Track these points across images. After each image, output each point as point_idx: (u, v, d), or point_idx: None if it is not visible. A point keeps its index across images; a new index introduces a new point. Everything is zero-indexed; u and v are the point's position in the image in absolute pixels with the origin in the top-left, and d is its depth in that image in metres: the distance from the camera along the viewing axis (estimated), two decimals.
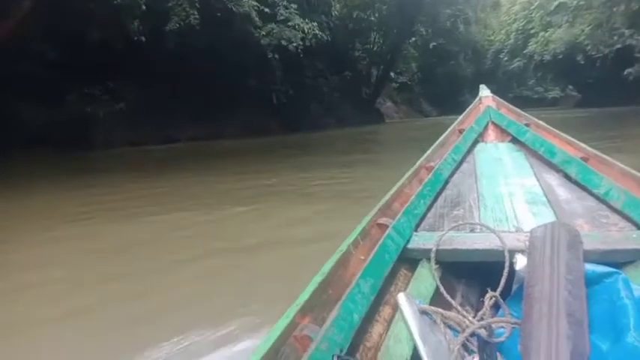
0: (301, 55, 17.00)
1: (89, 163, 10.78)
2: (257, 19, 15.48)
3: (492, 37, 45.22)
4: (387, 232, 1.32)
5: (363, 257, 1.21)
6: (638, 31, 25.08)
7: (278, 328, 0.87)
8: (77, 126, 12.28)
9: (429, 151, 2.29)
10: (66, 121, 12.04)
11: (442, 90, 42.92)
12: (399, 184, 1.78)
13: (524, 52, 35.19)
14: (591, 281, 0.89)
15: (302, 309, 0.94)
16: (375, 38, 29.43)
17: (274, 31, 16.49)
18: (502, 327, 0.89)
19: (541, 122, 2.70)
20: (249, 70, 17.52)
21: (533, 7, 34.91)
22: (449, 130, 2.71)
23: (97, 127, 12.88)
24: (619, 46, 26.79)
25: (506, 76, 47.33)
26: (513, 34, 37.65)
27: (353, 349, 0.95)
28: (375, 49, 29.39)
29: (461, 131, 2.68)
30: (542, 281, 0.85)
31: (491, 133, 2.78)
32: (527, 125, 2.65)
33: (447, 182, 2.03)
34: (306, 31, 17.04)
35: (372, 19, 28.22)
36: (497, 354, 0.83)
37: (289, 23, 16.83)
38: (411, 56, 36.26)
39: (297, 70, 20.90)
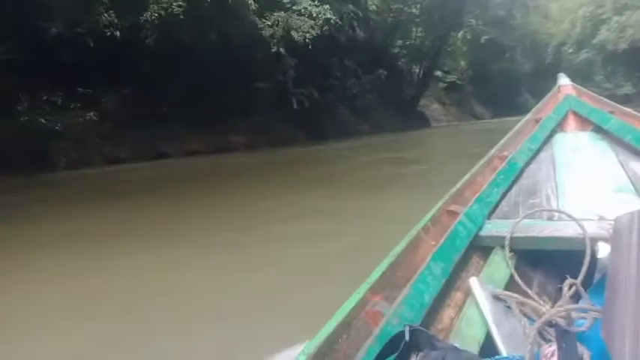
0: (310, 47, 13.91)
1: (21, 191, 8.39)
2: (256, 5, 12.64)
3: (553, 29, 40.24)
4: (458, 218, 1.31)
5: (433, 242, 1.20)
6: None
7: (350, 303, 0.87)
8: (34, 141, 9.98)
9: (503, 140, 2.22)
10: (18, 135, 9.76)
11: (496, 90, 38.59)
12: (471, 172, 1.76)
13: (594, 41, 30.23)
14: None
15: (372, 287, 0.94)
16: (416, 32, 26.05)
17: (280, 20, 13.62)
18: (583, 317, 0.84)
19: (627, 109, 2.50)
20: (257, 69, 14.81)
21: None
22: (524, 119, 2.61)
23: (59, 141, 10.53)
24: None
25: (569, 72, 41.22)
26: (580, 21, 32.56)
27: (424, 327, 0.89)
28: (416, 44, 25.97)
29: (537, 120, 2.54)
30: (627, 269, 0.77)
31: (571, 122, 2.62)
32: (611, 112, 2.46)
33: (522, 171, 1.95)
34: (315, 15, 13.93)
35: (413, 10, 24.97)
36: (578, 343, 0.75)
37: (294, 7, 13.89)
38: (459, 52, 32.49)
39: (319, 68, 18.09)
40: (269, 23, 13.52)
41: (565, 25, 35.76)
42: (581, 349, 0.76)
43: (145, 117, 12.45)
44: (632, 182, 1.70)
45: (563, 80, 3.13)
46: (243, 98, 15.38)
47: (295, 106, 17.18)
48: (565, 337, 0.77)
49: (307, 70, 17.14)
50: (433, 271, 1.06)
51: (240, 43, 13.44)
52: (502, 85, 38.78)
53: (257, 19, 13.22)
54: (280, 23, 13.48)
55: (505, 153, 2.05)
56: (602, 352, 0.70)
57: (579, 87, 3.00)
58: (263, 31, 13.27)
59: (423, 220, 1.30)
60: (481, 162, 1.92)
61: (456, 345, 0.82)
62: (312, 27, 13.75)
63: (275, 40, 13.56)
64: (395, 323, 0.85)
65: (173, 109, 13.30)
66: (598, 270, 1.06)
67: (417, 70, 26.43)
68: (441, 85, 35.40)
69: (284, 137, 16.81)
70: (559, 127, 2.58)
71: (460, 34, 32.84)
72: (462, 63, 34.84)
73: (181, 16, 11.09)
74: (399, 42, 26.13)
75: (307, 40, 13.69)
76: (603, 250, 1.05)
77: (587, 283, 1.02)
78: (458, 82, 36.30)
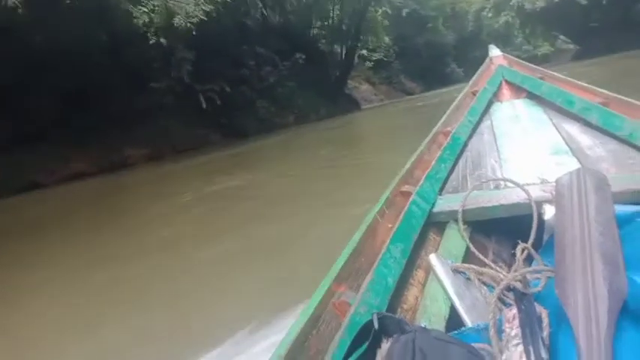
0: (194, 33, 11.67)
1: None
2: None
3: None
4: (411, 198, 1.34)
5: (390, 225, 1.22)
6: None
7: (316, 297, 0.88)
8: None
9: (444, 117, 2.25)
10: None
11: (423, 63, 38.02)
12: (418, 151, 1.79)
13: (511, 2, 29.93)
14: (623, 222, 0.86)
15: (337, 277, 0.96)
16: (334, 11, 24.36)
17: (158, 5, 11.26)
18: (537, 277, 0.87)
19: (556, 74, 2.60)
20: (148, 68, 12.50)
21: None
22: (462, 93, 2.65)
23: None
24: None
25: (490, 38, 42.08)
26: None
27: (391, 310, 0.95)
28: (335, 23, 24.29)
29: (474, 93, 2.60)
30: (572, 227, 0.84)
31: (505, 92, 2.72)
32: (541, 79, 2.57)
33: (465, 145, 2.02)
34: None
35: None
36: (535, 304, 0.79)
37: None
38: (382, 28, 31.17)
39: (227, 60, 15.97)
40: (145, 10, 11.17)
41: None
42: (539, 308, 0.78)
43: (3, 141, 9.92)
44: (567, 143, 1.79)
45: (494, 51, 3.21)
46: (138, 103, 13.05)
47: (204, 105, 15.02)
48: (523, 299, 0.79)
49: (212, 63, 14.98)
50: (393, 254, 1.09)
51: (120, 38, 11.09)
52: (428, 58, 38.23)
53: (132, 7, 10.87)
54: (158, 9, 11.13)
55: (448, 128, 2.09)
56: (559, 308, 0.73)
57: (510, 56, 3.10)
58: (136, 20, 10.89)
59: (377, 204, 1.30)
60: (426, 140, 1.95)
61: (424, 324, 0.87)
62: (194, 10, 11.44)
63: (153, 30, 11.22)
64: (362, 312, 0.87)
65: (43, 125, 10.80)
66: (546, 231, 1.08)
67: (340, 51, 24.76)
68: (368, 64, 34.15)
69: (194, 141, 14.66)
70: (495, 97, 2.67)
71: (380, 10, 31.59)
72: (387, 39, 33.59)
73: (20, 10, 8.50)
74: (318, 23, 24.30)
75: (190, 25, 11.37)
76: (549, 212, 1.09)
77: (537, 245, 1.04)
78: (385, 59, 35.19)
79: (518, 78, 2.72)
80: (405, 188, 1.44)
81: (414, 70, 38.08)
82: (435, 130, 2.08)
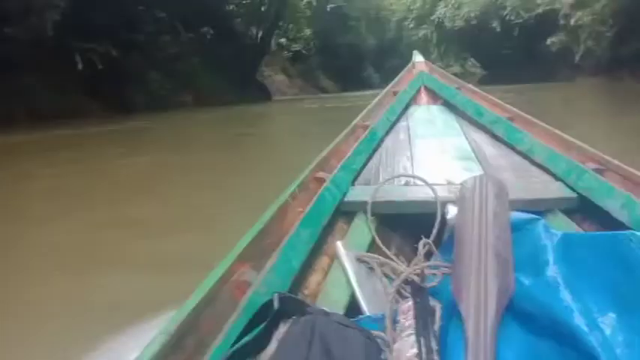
0: None
1: None
2: None
3: (394, 5, 40.23)
4: (324, 185, 1.37)
5: (301, 209, 1.23)
6: None
7: (214, 275, 0.85)
8: None
9: (364, 112, 2.33)
10: None
11: (342, 63, 37.32)
12: (335, 141, 1.83)
13: (432, 17, 30.28)
14: (516, 227, 0.93)
15: (240, 256, 0.94)
16: None
17: None
18: (434, 273, 0.91)
19: (471, 86, 2.80)
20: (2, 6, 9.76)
21: None
22: (383, 92, 2.76)
23: None
24: (540, 10, 22.75)
25: (409, 49, 42.80)
26: None
27: (292, 293, 0.92)
28: (255, 2, 22.36)
29: (395, 93, 2.72)
30: (471, 228, 0.88)
31: (423, 97, 2.83)
32: (458, 89, 2.71)
33: (382, 140, 2.09)
34: None
35: None
36: (430, 297, 0.83)
37: None
38: (304, 18, 29.85)
39: (118, 18, 13.46)
40: None
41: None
42: (433, 302, 0.81)
43: None
44: (473, 151, 1.92)
45: (418, 57, 3.33)
46: None
47: (80, 67, 12.43)
48: (419, 292, 0.83)
49: (97, 19, 12.43)
50: (301, 237, 1.10)
51: None
52: (348, 59, 37.63)
53: None
54: None
55: (367, 123, 2.17)
56: (452, 304, 0.76)
57: (431, 64, 3.25)
58: None
59: (290, 187, 1.31)
60: (345, 131, 1.99)
61: (324, 308, 0.84)
62: None
63: None
64: (262, 292, 0.85)
65: None
66: (448, 230, 1.10)
67: (257, 34, 22.91)
68: (287, 54, 32.62)
69: (63, 109, 11.99)
70: (413, 100, 2.77)
71: (305, 0, 30.25)
72: (308, 31, 32.40)
73: None
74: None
75: None
76: (452, 212, 1.11)
77: (438, 242, 1.09)
78: (304, 51, 33.86)
79: (437, 85, 2.82)
80: (320, 175, 1.47)
81: (332, 68, 37.30)
82: (354, 123, 2.15)
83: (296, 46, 33.07)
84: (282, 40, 31.28)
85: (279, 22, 24.46)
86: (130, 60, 14.11)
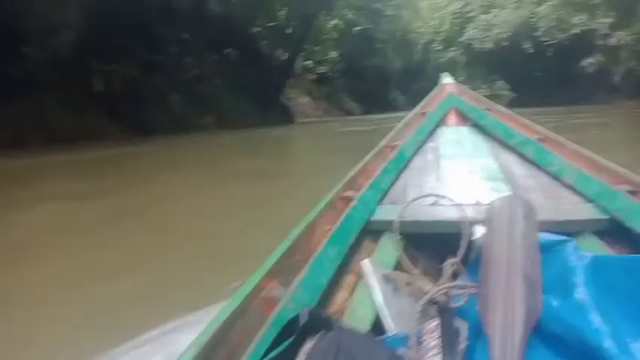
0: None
1: None
2: None
3: (423, 28, 39.75)
4: (351, 203, 1.38)
5: (328, 227, 1.24)
6: (605, 10, 20.04)
7: (245, 290, 0.87)
8: None
9: (392, 132, 2.35)
10: None
11: (368, 85, 36.91)
12: (364, 160, 1.84)
13: (461, 39, 29.58)
14: (545, 248, 0.92)
15: (269, 272, 0.95)
16: (281, 12, 22.30)
17: None
18: (460, 293, 0.89)
19: (500, 107, 2.77)
20: (23, 25, 9.60)
21: None
22: (412, 113, 2.79)
23: None
24: (576, 31, 21.80)
25: (436, 71, 41.97)
26: (449, 18, 31.91)
27: (319, 309, 0.94)
28: (281, 25, 22.20)
29: (424, 114, 2.74)
30: (499, 248, 0.88)
31: (452, 118, 2.82)
32: (487, 110, 2.70)
33: (410, 160, 2.10)
34: None
35: None
36: (456, 317, 0.82)
37: None
38: (331, 41, 29.64)
39: (140, 38, 13.31)
40: None
41: (435, 21, 35.15)
42: (460, 322, 0.81)
43: None
44: (502, 172, 1.92)
45: (447, 79, 3.28)
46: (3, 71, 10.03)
47: (99, 88, 12.22)
48: (445, 312, 0.82)
49: (118, 39, 12.27)
50: (328, 255, 1.11)
51: None
52: (373, 81, 37.22)
53: None
54: None
55: (395, 143, 2.17)
56: (478, 325, 0.75)
57: (460, 86, 3.18)
58: None
59: (318, 206, 1.32)
60: (373, 151, 2.00)
61: (349, 326, 0.86)
62: None
63: None
64: (291, 307, 0.86)
65: None
66: (475, 250, 1.09)
67: (282, 56, 22.69)
68: (312, 76, 32.44)
69: (80, 130, 11.75)
70: (442, 121, 2.76)
71: (333, 23, 30.14)
72: (334, 54, 32.20)
73: None
74: (262, 21, 22.03)
75: None
76: (479, 232, 1.11)
77: (465, 262, 1.08)
78: (329, 74, 33.68)
79: (466, 107, 2.81)
80: (348, 193, 1.48)
81: (357, 90, 36.91)
82: (382, 143, 2.15)
83: (321, 69, 32.87)
84: (308, 62, 31.14)
85: (304, 45, 24.14)
86: (151, 81, 13.88)
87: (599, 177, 1.60)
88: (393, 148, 2.11)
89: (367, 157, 1.90)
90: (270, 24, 22.01)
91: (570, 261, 0.84)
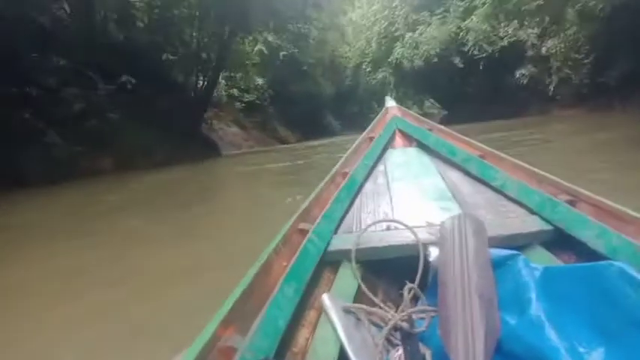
0: None
1: None
2: None
3: (349, 51, 38.94)
4: (307, 236, 1.37)
5: (285, 263, 1.22)
6: (532, 18, 19.50)
7: (198, 343, 0.82)
8: None
9: (342, 159, 2.35)
10: None
11: (301, 112, 35.28)
12: (316, 190, 1.82)
13: (390, 59, 28.61)
14: (497, 264, 0.94)
15: (224, 320, 0.91)
16: (193, 35, 19.96)
17: None
18: (422, 317, 0.90)
19: (442, 127, 2.80)
20: None
21: (395, 4, 28.40)
22: (360, 138, 2.79)
23: None
24: (504, 43, 21.22)
25: (367, 94, 41.33)
26: (375, 38, 30.97)
27: (279, 355, 0.94)
28: (193, 49, 19.79)
29: (371, 139, 2.78)
30: (453, 268, 0.88)
31: (398, 140, 2.89)
32: (430, 130, 2.76)
33: (361, 186, 2.13)
34: None
35: (183, 9, 18.90)
36: (420, 344, 0.81)
37: None
38: (253, 66, 27.67)
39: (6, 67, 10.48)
40: None
41: (362, 42, 34.20)
42: (423, 348, 0.79)
43: None
44: (450, 190, 1.93)
45: (390, 102, 3.31)
46: None
47: None
48: (408, 339, 0.80)
49: None
50: (286, 294, 1.07)
51: None
52: (306, 108, 35.68)
53: None
54: None
55: (346, 170, 2.19)
56: (441, 348, 0.73)
57: (403, 108, 3.22)
58: None
59: (273, 241, 1.29)
60: (325, 180, 1.99)
61: None
62: None
63: None
64: (249, 358, 0.83)
65: None
66: (432, 271, 1.10)
67: (197, 84, 20.21)
68: (239, 105, 30.18)
69: None
70: (389, 144, 2.84)
71: (256, 48, 28.26)
72: (259, 80, 30.26)
73: None
74: (172, 47, 19.50)
75: None
76: (434, 253, 1.13)
77: (424, 285, 1.08)
78: (257, 101, 31.60)
79: (410, 128, 2.87)
80: (302, 226, 1.45)
81: (290, 117, 35.15)
82: (333, 170, 2.14)
83: (249, 97, 30.76)
84: (233, 90, 28.94)
85: (222, 71, 21.85)
86: (19, 118, 10.97)
87: (540, 189, 1.64)
88: (344, 175, 2.10)
89: (319, 187, 1.86)
90: (181, 50, 19.56)
91: (522, 275, 0.86)
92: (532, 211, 1.55)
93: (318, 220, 1.48)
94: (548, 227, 1.39)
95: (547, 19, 18.03)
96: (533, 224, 1.43)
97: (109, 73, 14.21)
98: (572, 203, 1.45)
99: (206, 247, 3.89)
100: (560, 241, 1.35)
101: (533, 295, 0.79)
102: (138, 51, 17.51)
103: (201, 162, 16.34)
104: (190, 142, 18.02)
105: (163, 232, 4.73)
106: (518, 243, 1.31)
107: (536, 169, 1.80)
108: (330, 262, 1.36)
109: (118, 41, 17.44)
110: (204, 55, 19.98)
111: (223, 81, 25.64)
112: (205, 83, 20.28)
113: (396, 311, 0.96)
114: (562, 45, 17.53)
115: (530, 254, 1.23)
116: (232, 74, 25.84)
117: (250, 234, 3.95)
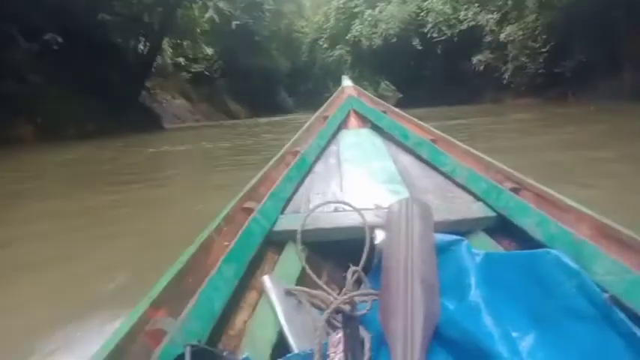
0: None
1: None
2: None
3: (306, 26, 37.64)
4: (252, 215, 1.31)
5: (226, 243, 1.16)
6: (493, 3, 19.17)
7: (125, 325, 0.77)
8: None
9: (294, 137, 2.30)
10: None
11: (253, 86, 33.77)
12: (265, 168, 1.76)
13: (347, 36, 27.71)
14: (440, 249, 0.92)
15: (155, 302, 0.85)
16: None
17: None
18: (365, 300, 0.88)
19: (396, 109, 2.80)
20: None
21: None
22: (313, 117, 2.74)
23: None
24: (463, 27, 20.86)
25: (322, 72, 40.29)
26: (333, 13, 29.87)
27: (214, 339, 0.89)
28: (134, 12, 17.94)
29: (325, 118, 2.72)
30: (398, 253, 0.86)
31: (353, 121, 2.83)
32: (384, 112, 2.73)
33: (312, 166, 2.08)
34: None
35: None
36: (360, 327, 0.80)
37: None
38: (206, 36, 25.90)
39: None
40: None
41: (319, 17, 32.97)
42: (363, 332, 0.78)
43: None
44: (400, 173, 1.91)
45: (346, 82, 3.22)
46: None
47: None
48: (349, 322, 0.78)
49: None
50: (225, 275, 1.01)
51: None
52: (258, 82, 34.20)
53: None
54: None
55: (297, 149, 2.12)
56: (382, 332, 0.72)
57: (359, 88, 3.13)
58: None
59: (216, 220, 1.22)
60: (275, 158, 1.94)
61: (248, 351, 0.80)
62: None
63: None
64: (179, 341, 0.77)
65: None
66: (377, 255, 1.07)
67: (138, 48, 18.45)
68: (186, 75, 28.35)
69: None
70: (343, 124, 2.74)
71: (207, 15, 26.37)
72: (209, 51, 28.43)
73: None
74: (107, 6, 17.53)
75: None
76: (380, 237, 1.08)
77: (368, 268, 1.05)
78: (206, 73, 29.87)
79: (365, 109, 2.80)
80: (248, 204, 1.41)
81: (242, 92, 33.60)
82: (284, 149, 2.08)
83: (197, 67, 28.95)
84: (180, 59, 27.05)
85: (166, 36, 20.14)
86: None
87: (488, 176, 1.63)
88: (294, 154, 2.05)
89: (268, 165, 1.81)
90: (120, 10, 17.69)
91: (464, 261, 0.86)
92: (478, 198, 1.55)
93: (264, 199, 1.44)
94: (492, 214, 1.40)
95: (509, 3, 17.71)
96: (478, 210, 1.44)
97: (30, 29, 12.43)
98: (516, 191, 1.45)
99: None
100: (502, 227, 1.36)
101: (473, 281, 0.80)
102: (68, 6, 15.59)
103: (140, 134, 14.87)
104: (128, 112, 16.46)
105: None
106: (463, 228, 1.31)
107: (484, 156, 1.79)
108: (275, 242, 1.33)
109: None
110: (145, 18, 18.19)
111: (170, 48, 23.81)
112: (147, 49, 18.56)
113: (338, 294, 0.92)
114: (520, 32, 17.36)
115: (473, 240, 1.25)
116: (179, 41, 24.01)
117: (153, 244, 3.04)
